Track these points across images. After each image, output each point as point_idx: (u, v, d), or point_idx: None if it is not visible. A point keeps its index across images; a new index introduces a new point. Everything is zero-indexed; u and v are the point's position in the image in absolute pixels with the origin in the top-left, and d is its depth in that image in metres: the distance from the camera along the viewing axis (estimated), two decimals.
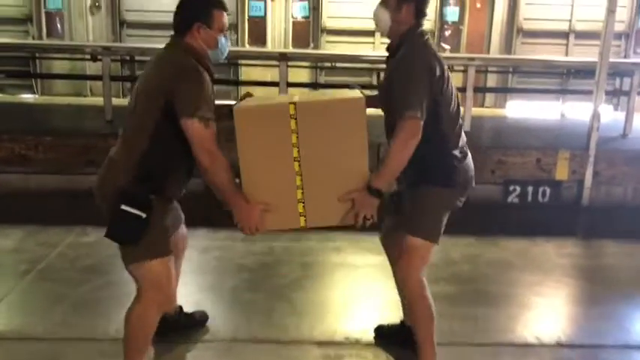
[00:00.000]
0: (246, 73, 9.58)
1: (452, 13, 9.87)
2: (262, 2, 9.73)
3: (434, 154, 2.43)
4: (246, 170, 2.37)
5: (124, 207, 2.24)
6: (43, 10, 9.70)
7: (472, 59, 6.51)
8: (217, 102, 2.47)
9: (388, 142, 2.45)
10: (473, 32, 9.85)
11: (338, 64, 7.63)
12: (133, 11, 9.82)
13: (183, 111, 2.21)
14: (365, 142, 2.34)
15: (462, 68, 7.50)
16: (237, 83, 8.90)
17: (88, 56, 6.67)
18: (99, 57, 6.42)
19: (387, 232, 2.78)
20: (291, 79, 7.05)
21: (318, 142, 2.32)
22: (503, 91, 9.64)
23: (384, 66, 2.65)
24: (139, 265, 2.36)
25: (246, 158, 2.35)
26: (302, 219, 2.41)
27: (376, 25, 2.58)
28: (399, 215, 2.62)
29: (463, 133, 2.58)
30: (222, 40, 2.43)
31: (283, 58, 6.47)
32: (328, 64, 8.14)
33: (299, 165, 2.33)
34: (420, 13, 2.47)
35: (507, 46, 9.99)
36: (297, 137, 2.30)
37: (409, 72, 2.32)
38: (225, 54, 2.48)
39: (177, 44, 2.40)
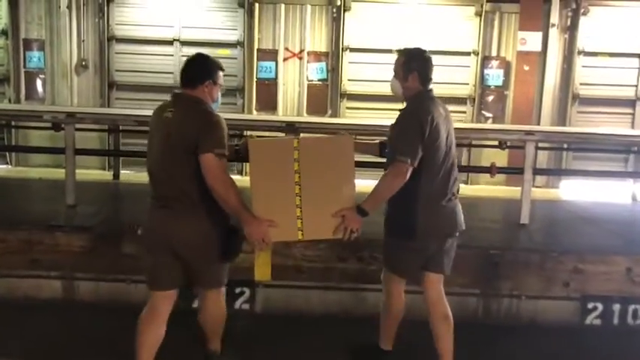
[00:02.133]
0: None
1: (495, 76, 8.95)
2: (273, 63, 8.95)
3: (401, 198, 3.09)
4: (255, 190, 3.01)
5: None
6: (22, 70, 9.01)
7: (531, 133, 5.38)
8: None
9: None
10: (520, 98, 8.87)
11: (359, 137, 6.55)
12: (124, 72, 9.08)
13: (205, 147, 2.82)
14: (352, 172, 3.06)
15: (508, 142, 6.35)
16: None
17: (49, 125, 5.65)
18: (62, 125, 5.44)
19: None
20: None
21: (315, 170, 3.00)
22: (569, 174, 8.50)
23: None
24: (217, 290, 3.27)
25: (256, 181, 3.01)
26: (300, 233, 3.06)
27: (392, 92, 3.33)
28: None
29: (452, 186, 3.21)
30: (219, 95, 3.11)
31: (291, 129, 5.43)
32: None
33: (299, 188, 3.00)
34: (425, 80, 3.18)
35: (561, 115, 8.97)
36: (299, 165, 2.97)
37: (403, 125, 3.09)
38: (218, 106, 3.13)
39: (190, 97, 3.00)
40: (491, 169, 5.47)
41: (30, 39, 9.02)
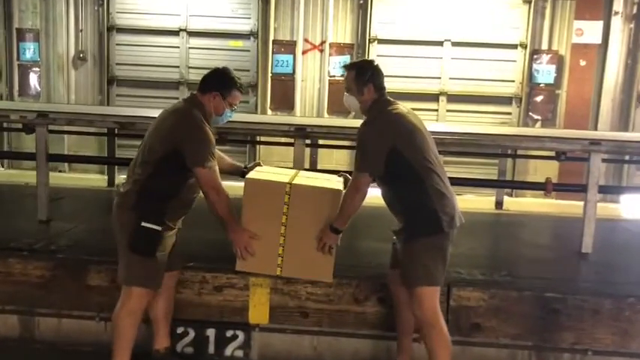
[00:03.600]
0: (266, 153, 7.97)
1: (545, 72, 8.05)
2: (290, 56, 8.22)
3: (412, 198, 3.14)
4: (244, 224, 3.45)
5: (143, 224, 3.12)
6: (15, 63, 8.46)
7: (597, 142, 4.48)
8: None
9: (391, 211, 3.30)
10: (575, 99, 7.97)
11: None
12: (126, 65, 8.46)
13: (196, 162, 3.13)
14: None
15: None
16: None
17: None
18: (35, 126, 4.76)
19: (392, 279, 3.45)
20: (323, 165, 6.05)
21: (302, 215, 3.43)
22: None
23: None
24: (127, 288, 3.22)
25: (246, 213, 3.44)
26: (278, 269, 3.50)
27: (349, 109, 3.58)
28: (398, 269, 3.30)
29: (442, 169, 3.21)
30: (227, 112, 3.33)
31: (301, 134, 4.65)
32: None
33: (284, 229, 3.45)
34: (379, 88, 3.26)
35: (623, 118, 8.08)
36: (288, 209, 3.43)
37: (361, 139, 3.18)
38: (224, 122, 3.40)
39: (193, 99, 3.30)
40: (546, 186, 4.63)
41: (24, 29, 8.53)
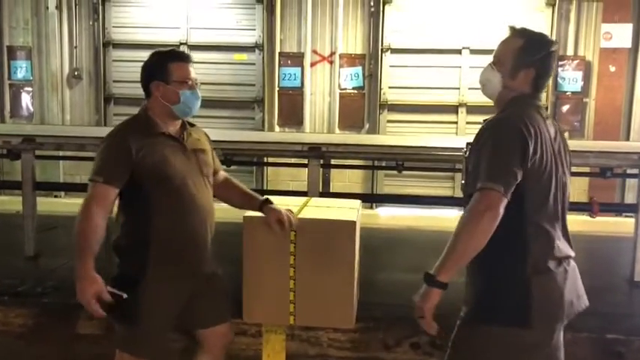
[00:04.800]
0: (274, 175, 7.60)
1: (572, 80, 7.64)
2: (298, 68, 7.84)
3: (500, 262, 2.06)
4: (247, 268, 2.95)
5: (109, 288, 2.36)
6: (6, 82, 8.12)
7: None
8: None
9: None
10: (604, 107, 7.54)
11: (407, 164, 5.22)
12: (123, 82, 8.09)
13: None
14: (353, 256, 2.95)
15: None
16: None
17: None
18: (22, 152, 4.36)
19: None
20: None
21: (312, 254, 2.94)
22: None
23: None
24: (118, 353, 2.55)
25: (248, 258, 2.95)
26: (291, 317, 3.02)
27: (482, 87, 2.31)
28: None
29: (566, 240, 2.18)
30: (185, 93, 2.53)
31: (316, 154, 4.22)
32: (392, 163, 5.77)
33: (294, 271, 2.96)
34: (540, 84, 2.23)
35: None
36: (295, 247, 2.93)
37: (495, 138, 2.07)
38: (195, 107, 2.59)
39: (141, 108, 2.66)
40: (592, 207, 4.16)
41: (15, 46, 8.18)
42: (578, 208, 4.61)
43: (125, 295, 2.37)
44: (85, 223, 2.31)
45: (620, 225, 5.97)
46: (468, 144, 2.36)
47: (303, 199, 3.71)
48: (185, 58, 2.61)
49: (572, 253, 2.22)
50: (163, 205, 2.46)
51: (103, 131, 6.60)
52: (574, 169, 5.90)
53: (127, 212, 2.50)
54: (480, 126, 2.22)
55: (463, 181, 2.61)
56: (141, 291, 2.42)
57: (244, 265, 3.02)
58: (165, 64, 2.53)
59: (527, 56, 2.14)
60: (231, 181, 2.89)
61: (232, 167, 4.84)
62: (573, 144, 6.42)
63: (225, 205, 2.99)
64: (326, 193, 4.66)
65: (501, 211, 1.96)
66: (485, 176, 2.01)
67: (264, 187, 7.73)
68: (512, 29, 2.23)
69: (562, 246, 2.14)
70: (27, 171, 4.33)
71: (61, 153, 6.99)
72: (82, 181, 8.02)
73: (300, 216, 3.11)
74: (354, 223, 3.05)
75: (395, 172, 4.97)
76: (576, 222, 6.09)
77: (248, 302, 3.06)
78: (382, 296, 3.72)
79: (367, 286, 3.31)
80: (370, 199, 6.75)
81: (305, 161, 4.51)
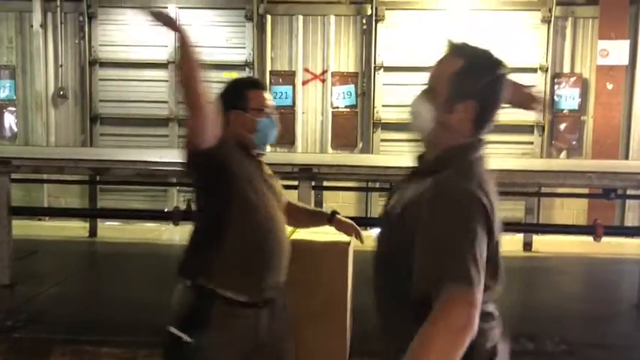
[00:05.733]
0: None
1: (569, 97, 7.55)
2: (289, 87, 7.70)
3: None
4: None
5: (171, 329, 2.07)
6: None
7: None
8: None
9: (384, 334, 1.74)
10: (602, 125, 7.44)
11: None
12: (110, 102, 7.95)
13: None
14: (346, 286, 2.82)
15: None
16: None
17: None
18: None
19: None
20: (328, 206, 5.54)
21: (301, 280, 2.62)
22: None
23: None
24: None
25: None
26: None
27: (411, 120, 1.74)
28: None
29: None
30: (263, 121, 2.38)
31: (307, 176, 4.04)
32: (385, 184, 5.63)
33: None
34: (484, 121, 1.62)
35: None
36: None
37: (443, 215, 1.50)
38: (272, 135, 2.44)
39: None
40: (596, 230, 4.00)
41: None
42: (582, 231, 4.46)
43: (189, 339, 2.07)
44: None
45: (623, 246, 5.82)
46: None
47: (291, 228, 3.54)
48: (262, 86, 2.52)
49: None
50: (246, 230, 2.21)
51: (88, 152, 6.52)
52: (573, 189, 5.85)
53: (203, 235, 2.25)
54: None
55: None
56: (206, 337, 2.09)
57: None
58: (242, 91, 2.43)
59: (467, 83, 1.59)
60: (294, 204, 2.69)
61: None
62: (572, 164, 6.34)
63: None
64: None
65: (476, 321, 1.44)
66: (443, 270, 1.46)
67: None
68: (450, 45, 1.70)
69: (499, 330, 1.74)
70: (2, 195, 4.13)
71: (45, 176, 6.88)
72: (67, 204, 7.93)
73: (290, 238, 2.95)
74: (347, 245, 2.91)
75: (386, 191, 4.82)
76: (578, 243, 6.03)
77: None
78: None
79: (362, 315, 3.10)
80: (364, 222, 6.56)
81: (296, 183, 4.35)
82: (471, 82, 1.59)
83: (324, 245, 2.93)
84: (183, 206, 5.15)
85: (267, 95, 2.46)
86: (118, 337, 3.50)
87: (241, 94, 2.40)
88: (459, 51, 1.66)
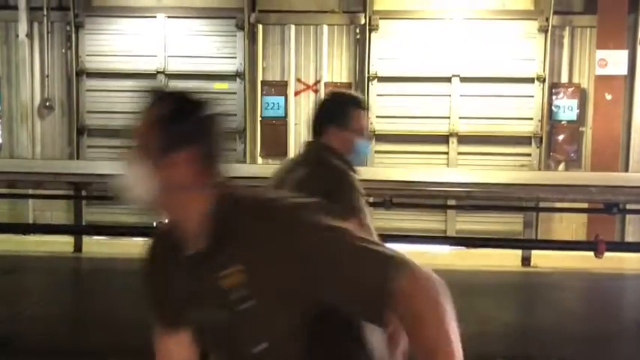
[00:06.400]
0: None
1: (567, 108, 7.43)
2: (281, 98, 7.56)
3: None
4: None
5: None
6: None
7: None
8: None
9: None
10: (601, 136, 7.31)
11: (395, 199, 4.94)
12: (97, 113, 7.80)
13: None
14: None
15: None
16: None
17: None
18: None
19: None
20: None
21: None
22: None
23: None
24: None
25: None
26: None
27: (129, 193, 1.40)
28: None
29: None
30: (361, 143, 2.44)
31: None
32: (378, 198, 5.45)
33: None
34: (212, 166, 1.40)
35: None
36: None
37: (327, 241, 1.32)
38: (364, 159, 2.82)
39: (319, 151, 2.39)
40: (597, 246, 3.85)
41: None
42: (582, 247, 4.31)
43: None
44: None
45: (624, 261, 5.67)
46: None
47: None
48: (365, 106, 2.58)
49: None
50: None
51: (70, 165, 6.35)
52: (573, 204, 5.69)
53: None
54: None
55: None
56: None
57: None
58: (346, 109, 2.44)
59: (175, 131, 1.35)
60: None
61: None
62: (572, 176, 6.21)
63: None
64: None
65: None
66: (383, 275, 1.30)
67: None
68: (151, 95, 1.46)
69: None
70: None
71: (30, 190, 6.72)
72: (53, 218, 7.76)
73: None
74: None
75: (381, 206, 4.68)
76: (578, 258, 5.88)
77: None
78: None
79: None
80: None
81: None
82: (179, 128, 1.35)
83: None
84: None
85: (363, 114, 2.51)
86: None
87: (345, 112, 2.43)
88: (158, 99, 1.43)
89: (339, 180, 2.25)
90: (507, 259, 6.12)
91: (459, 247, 6.19)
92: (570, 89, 7.43)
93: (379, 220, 7.36)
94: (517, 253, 6.18)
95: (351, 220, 1.80)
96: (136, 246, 6.33)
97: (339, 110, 2.45)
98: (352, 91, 2.53)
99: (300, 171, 2.32)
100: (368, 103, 7.51)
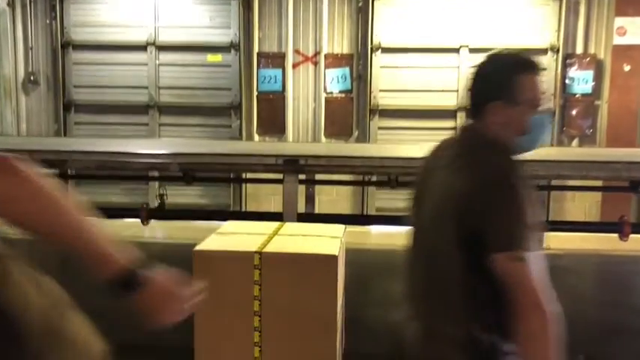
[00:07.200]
0: (252, 194, 6.96)
1: (582, 80, 7.04)
2: (279, 70, 7.20)
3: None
4: (200, 319, 2.48)
5: None
6: None
7: None
8: None
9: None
10: (618, 110, 6.98)
11: (401, 178, 4.61)
12: (85, 88, 7.46)
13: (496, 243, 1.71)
14: (334, 303, 2.47)
15: None
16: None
17: None
18: None
19: None
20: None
21: (282, 298, 2.49)
22: None
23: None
24: None
25: (201, 305, 2.20)
26: None
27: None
28: None
29: None
30: (536, 120, 1.81)
31: (293, 168, 3.58)
32: (383, 177, 5.13)
33: (259, 320, 2.49)
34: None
35: None
36: (260, 290, 2.48)
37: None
38: (542, 139, 1.89)
39: (475, 131, 1.87)
40: (622, 228, 3.54)
41: None
42: (604, 229, 4.01)
43: None
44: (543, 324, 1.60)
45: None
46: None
47: (274, 224, 3.10)
48: (538, 68, 1.87)
49: None
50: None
51: (61, 143, 6.03)
52: (588, 182, 5.39)
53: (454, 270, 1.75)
54: None
55: None
56: None
57: (196, 315, 2.49)
58: (511, 76, 1.82)
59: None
60: None
61: (194, 186, 4.23)
62: (590, 152, 5.87)
63: None
64: (307, 215, 4.02)
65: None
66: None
67: (243, 206, 7.08)
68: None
69: None
70: None
71: None
72: None
73: (267, 249, 2.58)
74: (334, 258, 2.50)
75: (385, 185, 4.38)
76: (594, 239, 5.59)
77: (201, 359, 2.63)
78: (375, 344, 3.09)
79: (355, 330, 2.71)
80: (359, 220, 6.10)
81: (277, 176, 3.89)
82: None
83: (310, 258, 2.56)
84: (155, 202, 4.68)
85: (540, 82, 1.86)
86: None
87: (509, 81, 1.82)
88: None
89: (503, 196, 1.69)
90: None
91: None
92: (586, 60, 7.05)
93: (383, 201, 7.11)
94: None
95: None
96: (124, 227, 6.04)
97: (505, 79, 1.85)
98: (519, 52, 1.88)
99: (446, 175, 1.81)
100: (371, 76, 7.21)
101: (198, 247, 2.63)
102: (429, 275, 1.81)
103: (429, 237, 1.80)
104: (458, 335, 1.70)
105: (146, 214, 4.41)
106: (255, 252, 2.55)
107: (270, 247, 2.63)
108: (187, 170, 3.81)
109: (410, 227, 1.91)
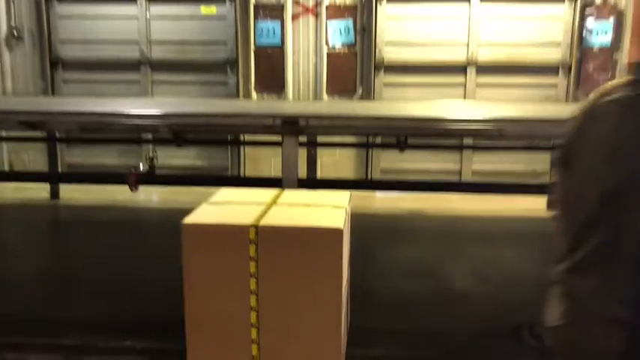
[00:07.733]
0: (251, 157, 6.65)
1: (600, 32, 6.62)
2: (277, 22, 6.80)
3: None
4: (191, 298, 2.34)
5: None
6: None
7: None
8: None
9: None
10: None
11: (410, 139, 4.30)
12: (72, 44, 7.10)
13: None
14: (339, 279, 2.28)
15: None
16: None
17: None
18: None
19: None
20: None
21: (281, 275, 2.32)
22: None
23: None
24: None
25: (192, 283, 2.33)
26: None
27: None
28: None
29: None
30: None
31: (292, 129, 3.29)
32: (391, 139, 4.82)
33: (256, 299, 2.33)
34: None
35: None
36: (257, 266, 2.31)
37: None
38: None
39: None
40: None
41: None
42: None
43: None
44: None
45: None
46: None
47: (273, 191, 2.83)
48: None
49: None
50: None
51: (49, 102, 5.71)
52: None
53: None
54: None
55: None
56: None
57: (186, 294, 2.34)
58: None
59: None
60: None
61: (184, 149, 3.94)
62: None
63: None
64: (309, 180, 3.74)
65: None
66: None
67: (241, 169, 6.79)
68: None
69: None
70: None
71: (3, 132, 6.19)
72: (30, 161, 7.19)
73: (263, 222, 2.31)
74: (339, 231, 2.27)
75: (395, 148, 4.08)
76: None
77: (192, 342, 2.40)
78: (382, 318, 2.87)
79: (361, 304, 2.49)
80: (364, 185, 5.83)
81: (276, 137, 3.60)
82: None
83: (312, 232, 2.31)
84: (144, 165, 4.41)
85: None
86: (51, 339, 2.85)
87: None
88: None
89: None
90: (534, 204, 5.56)
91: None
92: (604, 9, 6.64)
93: (388, 162, 6.82)
94: (542, 199, 5.61)
95: None
96: (116, 192, 5.76)
97: None
98: None
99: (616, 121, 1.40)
100: (376, 28, 6.82)
101: (187, 220, 2.38)
102: None
103: None
104: None
105: (134, 179, 4.13)
106: (251, 225, 2.32)
107: (268, 220, 2.38)
108: (178, 132, 3.51)
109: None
